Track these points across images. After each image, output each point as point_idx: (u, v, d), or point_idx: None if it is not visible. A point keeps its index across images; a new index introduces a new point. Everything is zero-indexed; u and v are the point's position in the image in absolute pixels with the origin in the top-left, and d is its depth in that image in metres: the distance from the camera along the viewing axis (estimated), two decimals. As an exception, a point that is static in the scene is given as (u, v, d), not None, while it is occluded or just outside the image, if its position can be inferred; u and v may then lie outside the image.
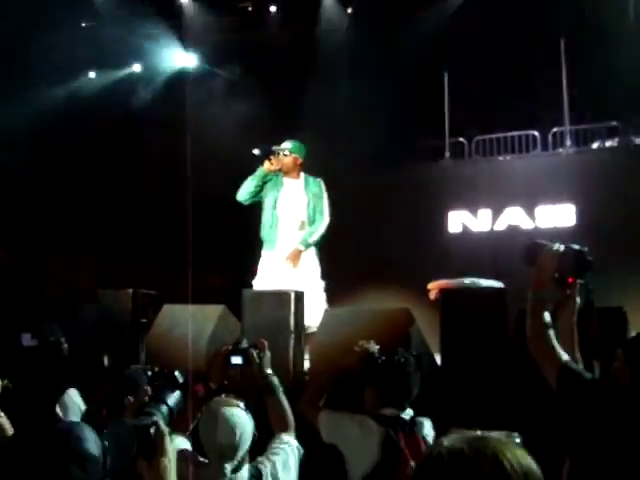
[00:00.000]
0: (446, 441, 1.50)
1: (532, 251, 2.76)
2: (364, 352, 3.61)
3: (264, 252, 6.45)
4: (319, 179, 6.49)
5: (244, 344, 3.44)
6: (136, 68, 11.87)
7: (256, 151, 6.41)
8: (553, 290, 2.72)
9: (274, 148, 6.47)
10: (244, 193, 6.46)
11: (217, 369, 3.38)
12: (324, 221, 6.37)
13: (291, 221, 6.38)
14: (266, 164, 6.39)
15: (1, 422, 3.30)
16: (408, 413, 3.49)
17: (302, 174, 6.52)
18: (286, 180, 6.44)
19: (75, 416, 3.79)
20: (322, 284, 6.42)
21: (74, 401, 3.94)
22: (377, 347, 3.66)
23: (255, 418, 3.09)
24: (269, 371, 3.35)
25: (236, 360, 3.38)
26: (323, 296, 6.38)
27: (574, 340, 2.74)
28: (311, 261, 6.39)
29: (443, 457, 1.45)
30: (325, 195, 6.43)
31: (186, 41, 11.11)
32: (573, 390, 2.55)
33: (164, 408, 2.41)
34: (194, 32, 10.86)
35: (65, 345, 4.00)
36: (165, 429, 2.06)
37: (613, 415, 2.51)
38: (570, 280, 2.70)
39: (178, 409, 2.49)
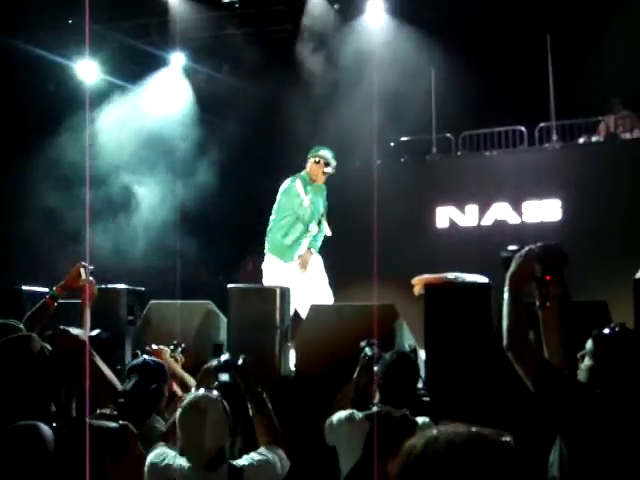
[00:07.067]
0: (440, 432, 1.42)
1: (509, 258, 2.76)
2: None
3: (277, 260, 6.43)
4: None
5: (227, 358, 3.48)
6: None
7: None
8: (532, 290, 2.74)
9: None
10: None
11: (206, 384, 3.38)
12: (326, 224, 6.43)
13: (311, 233, 6.43)
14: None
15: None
16: (402, 411, 3.51)
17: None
18: (318, 188, 6.48)
19: None
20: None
21: None
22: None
23: (241, 425, 3.11)
24: (259, 389, 3.35)
25: (224, 377, 3.41)
26: (330, 294, 6.44)
27: (558, 338, 2.75)
28: (319, 262, 6.45)
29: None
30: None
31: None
32: (551, 390, 2.56)
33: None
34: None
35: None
36: (134, 431, 2.04)
37: (595, 416, 2.52)
38: (548, 278, 2.72)
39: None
